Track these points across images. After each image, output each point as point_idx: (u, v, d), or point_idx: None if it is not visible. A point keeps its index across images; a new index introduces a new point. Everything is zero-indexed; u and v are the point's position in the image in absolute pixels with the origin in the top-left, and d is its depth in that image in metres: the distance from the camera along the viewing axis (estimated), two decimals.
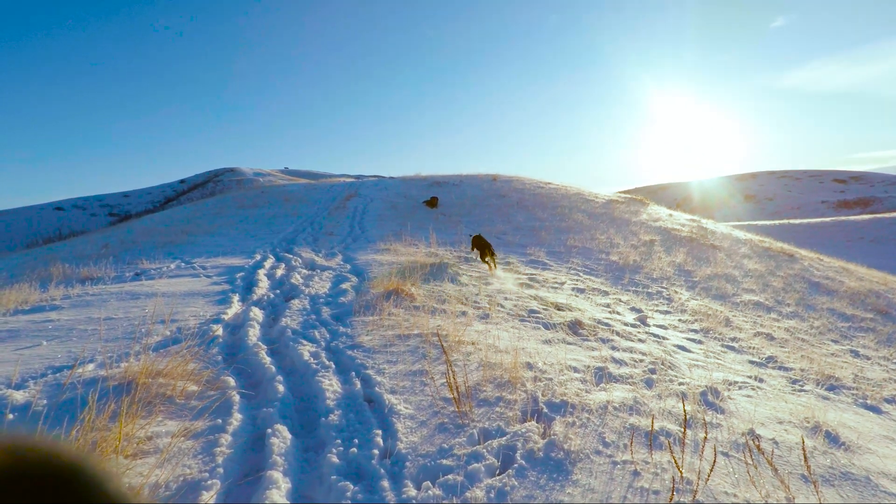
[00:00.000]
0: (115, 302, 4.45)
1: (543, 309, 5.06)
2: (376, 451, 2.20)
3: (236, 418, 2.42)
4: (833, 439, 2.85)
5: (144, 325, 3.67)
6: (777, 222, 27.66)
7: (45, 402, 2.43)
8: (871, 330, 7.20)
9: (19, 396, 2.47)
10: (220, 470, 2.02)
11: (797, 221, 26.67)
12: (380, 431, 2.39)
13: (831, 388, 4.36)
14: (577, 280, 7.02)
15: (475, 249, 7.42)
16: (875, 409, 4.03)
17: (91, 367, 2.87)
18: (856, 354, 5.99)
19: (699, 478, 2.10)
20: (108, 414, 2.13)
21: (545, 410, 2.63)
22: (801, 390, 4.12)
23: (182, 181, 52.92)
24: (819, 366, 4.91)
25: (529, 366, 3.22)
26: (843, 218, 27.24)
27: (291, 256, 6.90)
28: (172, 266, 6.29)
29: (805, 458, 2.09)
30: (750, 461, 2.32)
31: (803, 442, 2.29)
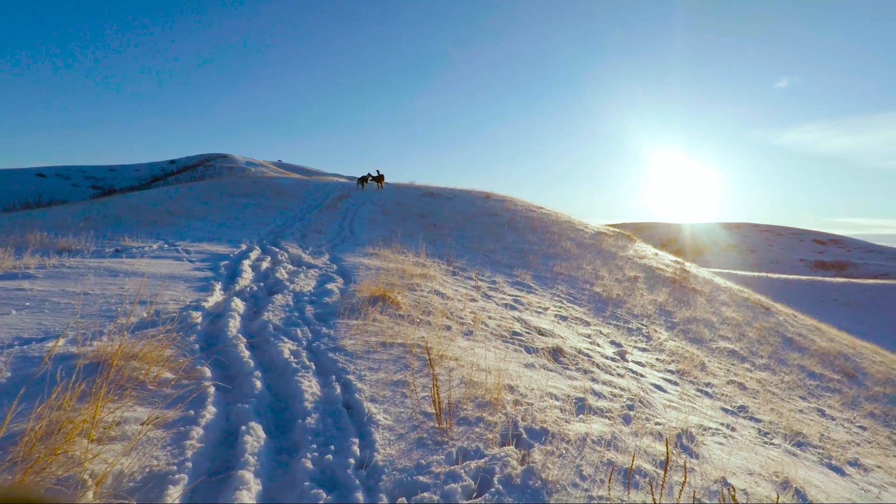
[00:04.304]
0: (92, 277, 4.32)
1: (526, 332, 5.06)
2: (352, 461, 2.15)
3: (210, 411, 2.34)
4: (802, 497, 2.88)
5: (121, 305, 3.56)
6: (756, 274, 28.30)
7: (9, 374, 2.33)
8: (838, 391, 7.35)
9: None
10: (189, 464, 1.94)
11: (775, 276, 27.32)
12: (357, 440, 2.33)
13: (798, 445, 4.42)
14: (560, 307, 7.05)
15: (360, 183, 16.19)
16: (839, 471, 4.10)
17: (62, 342, 2.76)
18: (822, 413, 6.10)
19: None
20: (77, 393, 2.04)
21: (525, 436, 2.60)
22: (770, 443, 4.16)
23: (172, 161, 52.02)
24: (787, 421, 4.98)
25: (511, 388, 3.20)
26: (819, 278, 27.99)
27: (278, 250, 6.80)
28: (155, 246, 6.14)
29: None
30: None
31: (778, 498, 2.30)
